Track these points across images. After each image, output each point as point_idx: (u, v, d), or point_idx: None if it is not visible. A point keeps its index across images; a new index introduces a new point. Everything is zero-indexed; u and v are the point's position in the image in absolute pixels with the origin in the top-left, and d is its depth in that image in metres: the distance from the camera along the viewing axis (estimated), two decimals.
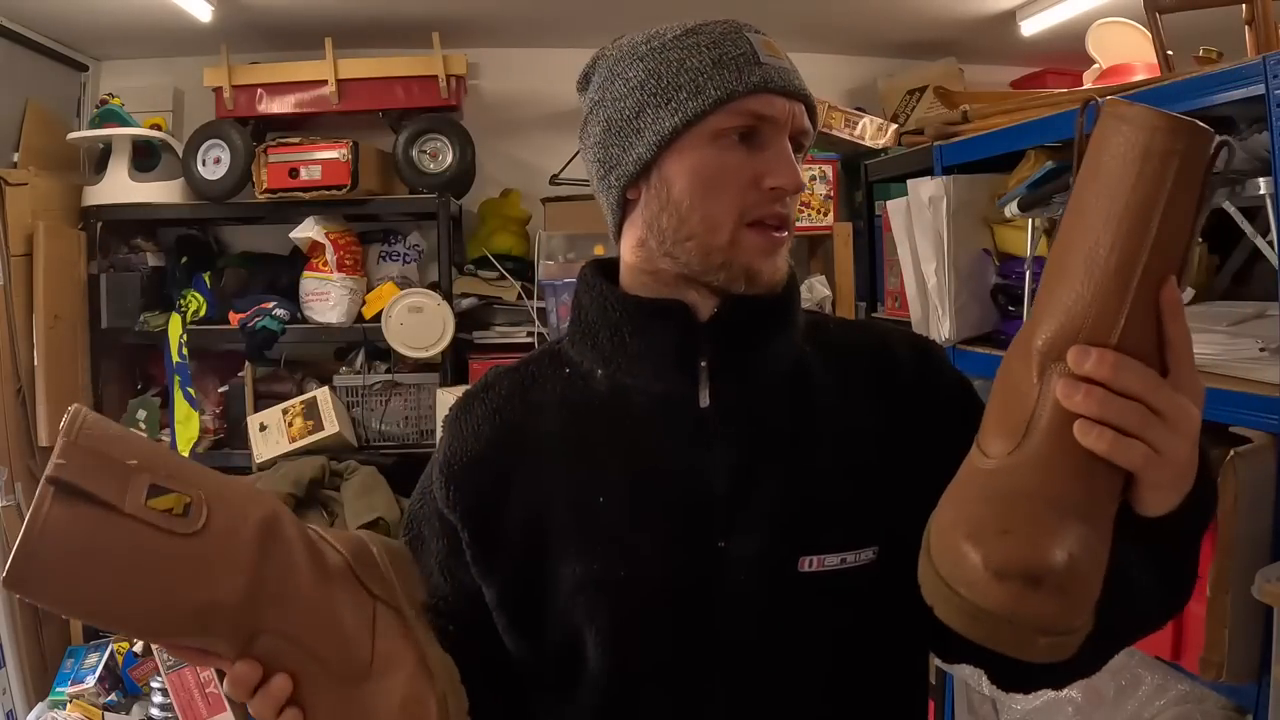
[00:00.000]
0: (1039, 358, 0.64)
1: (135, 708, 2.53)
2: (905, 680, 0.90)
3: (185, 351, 2.75)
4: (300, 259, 2.87)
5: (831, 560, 0.80)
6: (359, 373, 2.88)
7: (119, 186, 2.78)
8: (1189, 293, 1.61)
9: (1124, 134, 0.61)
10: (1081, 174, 0.65)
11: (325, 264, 2.77)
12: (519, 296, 2.91)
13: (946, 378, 0.92)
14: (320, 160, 2.72)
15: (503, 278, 2.94)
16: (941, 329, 1.88)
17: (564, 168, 2.86)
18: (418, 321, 2.71)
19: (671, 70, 0.82)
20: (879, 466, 0.83)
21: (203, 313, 2.80)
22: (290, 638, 0.70)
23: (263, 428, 2.65)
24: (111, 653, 2.61)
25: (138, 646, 2.59)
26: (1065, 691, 1.46)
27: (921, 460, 0.80)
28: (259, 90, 2.87)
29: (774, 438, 0.84)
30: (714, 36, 0.83)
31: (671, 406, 0.84)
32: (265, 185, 2.73)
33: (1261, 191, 1.24)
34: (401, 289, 2.78)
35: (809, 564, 0.80)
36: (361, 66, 2.85)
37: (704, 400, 0.84)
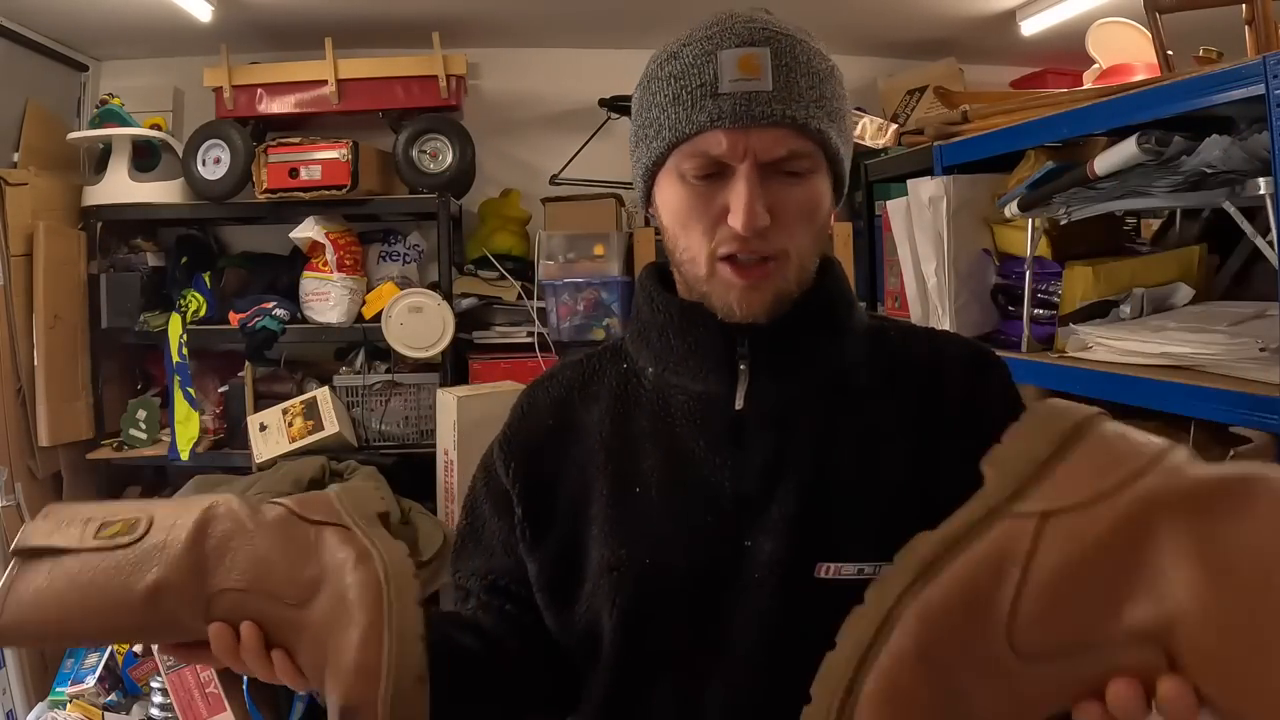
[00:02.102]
0: (1150, 641, 0.55)
1: (135, 708, 2.53)
2: None
3: (185, 351, 2.75)
4: (300, 259, 2.87)
5: (849, 569, 0.80)
6: (359, 373, 2.88)
7: (119, 186, 2.78)
8: (1189, 292, 1.61)
9: None
10: None
11: (325, 264, 2.77)
12: (519, 296, 2.91)
13: (995, 402, 0.87)
14: (320, 160, 2.72)
15: (503, 278, 2.94)
16: (941, 329, 1.88)
17: (564, 168, 2.86)
18: (418, 321, 2.71)
19: (645, 105, 0.85)
20: (909, 483, 0.83)
21: (203, 313, 2.80)
22: (241, 589, 0.73)
23: (263, 428, 2.65)
24: (111, 653, 2.61)
25: (137, 646, 2.59)
26: None
27: (954, 482, 0.80)
28: (259, 90, 2.87)
29: (805, 442, 0.84)
30: (685, 63, 0.81)
31: (709, 406, 0.86)
32: (265, 185, 2.73)
33: (1261, 191, 1.24)
34: (401, 289, 2.78)
35: (826, 570, 0.80)
36: (361, 66, 2.85)
37: (739, 402, 0.85)
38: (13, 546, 0.74)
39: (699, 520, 0.84)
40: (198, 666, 2.38)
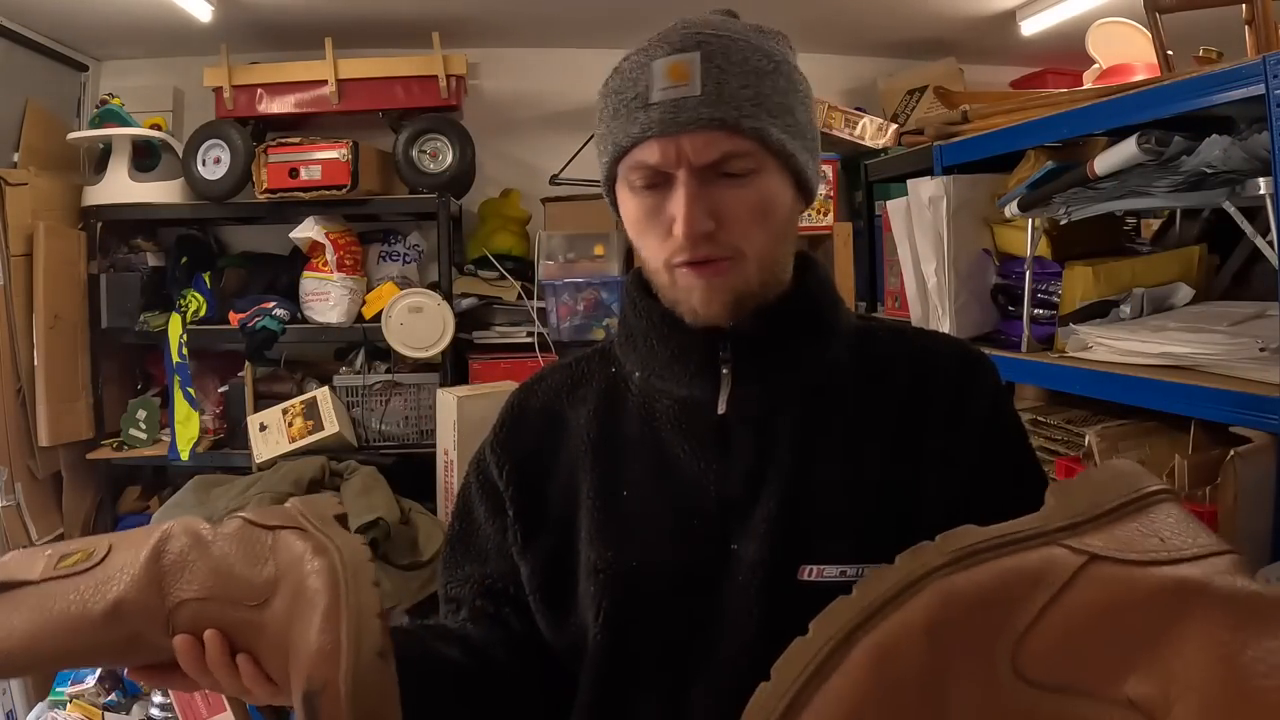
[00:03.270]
0: (1141, 714, 0.54)
1: (135, 708, 2.53)
2: None
3: (185, 351, 2.75)
4: (300, 259, 2.87)
5: (831, 571, 0.80)
6: (359, 373, 2.88)
7: (119, 186, 2.78)
8: (1189, 292, 1.61)
9: None
10: None
11: (325, 264, 2.77)
12: (519, 296, 2.91)
13: (982, 402, 0.88)
14: (320, 160, 2.72)
15: (503, 278, 2.94)
16: (941, 329, 1.88)
17: (564, 168, 2.86)
18: (418, 321, 2.71)
19: (596, 121, 0.86)
20: (894, 485, 0.83)
21: (203, 313, 2.81)
22: (200, 598, 0.73)
23: (263, 428, 2.65)
24: None
25: None
26: None
27: (937, 486, 0.82)
28: (259, 90, 2.87)
29: (788, 445, 0.84)
30: (624, 76, 0.82)
31: (693, 411, 0.87)
32: (265, 185, 2.73)
33: (1261, 191, 1.24)
34: (401, 289, 2.78)
35: (809, 573, 0.80)
36: (361, 66, 2.85)
37: (722, 406, 0.86)
38: None
39: (684, 523, 0.84)
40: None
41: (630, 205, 0.85)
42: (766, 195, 0.82)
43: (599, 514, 0.87)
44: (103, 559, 0.75)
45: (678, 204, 0.79)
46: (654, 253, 0.84)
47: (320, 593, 0.71)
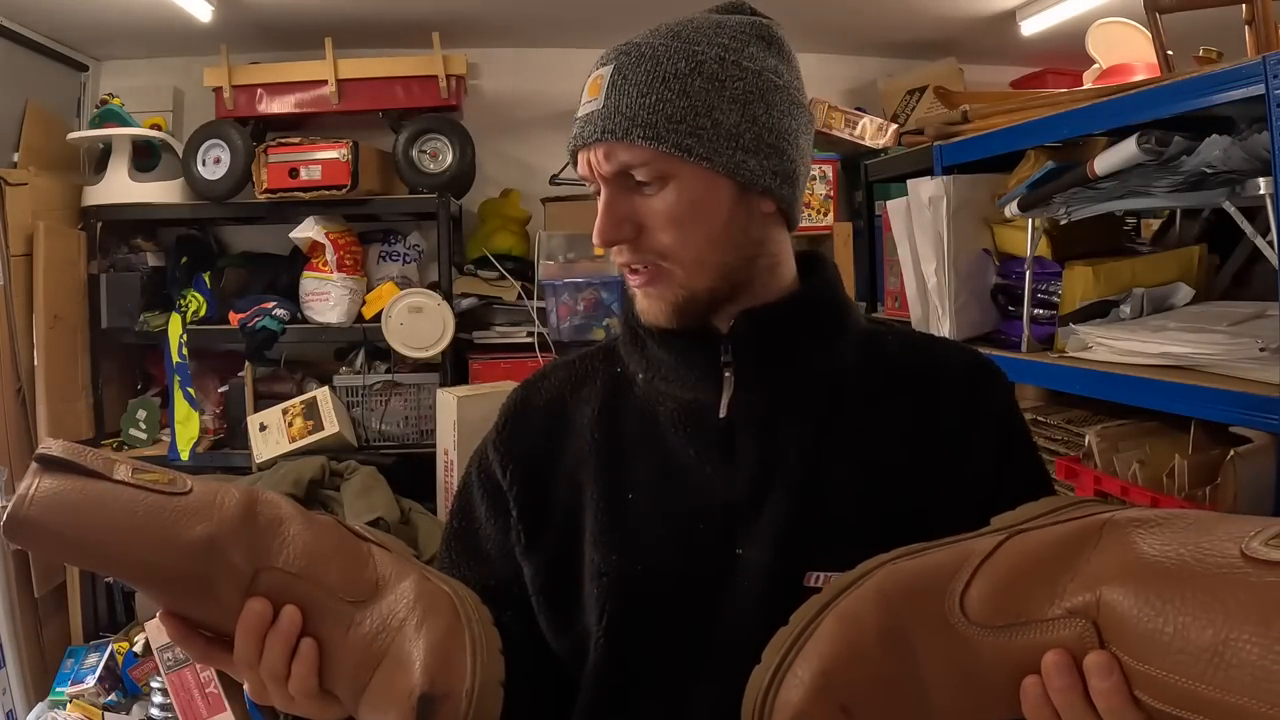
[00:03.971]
0: (1081, 616, 0.60)
1: (135, 708, 2.53)
2: None
3: (185, 351, 2.75)
4: (300, 259, 2.87)
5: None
6: (359, 373, 2.88)
7: (119, 186, 2.78)
8: (1189, 292, 1.61)
9: None
10: None
11: (325, 264, 2.77)
12: (519, 296, 2.91)
13: (992, 414, 0.88)
14: (320, 160, 2.72)
15: (503, 278, 2.94)
16: (941, 329, 1.88)
17: (564, 168, 2.86)
18: (418, 321, 2.71)
19: None
20: (901, 491, 0.83)
21: (203, 313, 2.80)
22: (293, 573, 0.71)
23: (263, 428, 2.65)
24: (111, 653, 2.61)
25: (138, 646, 2.59)
26: None
27: (946, 494, 0.82)
28: (259, 90, 2.87)
29: (795, 449, 0.84)
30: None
31: (698, 414, 0.86)
32: (265, 185, 2.73)
33: (1261, 191, 1.24)
34: (401, 289, 2.78)
35: (815, 580, 0.80)
36: (361, 66, 2.85)
37: (724, 410, 0.85)
38: (36, 454, 0.71)
39: (689, 528, 0.84)
40: (198, 666, 2.38)
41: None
42: (684, 201, 0.81)
43: (603, 516, 0.86)
44: (186, 491, 0.72)
45: (598, 216, 0.83)
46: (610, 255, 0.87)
47: (439, 613, 0.70)
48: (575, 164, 0.86)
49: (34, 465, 0.70)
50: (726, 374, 0.85)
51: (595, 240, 0.83)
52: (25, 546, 0.68)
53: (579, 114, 0.82)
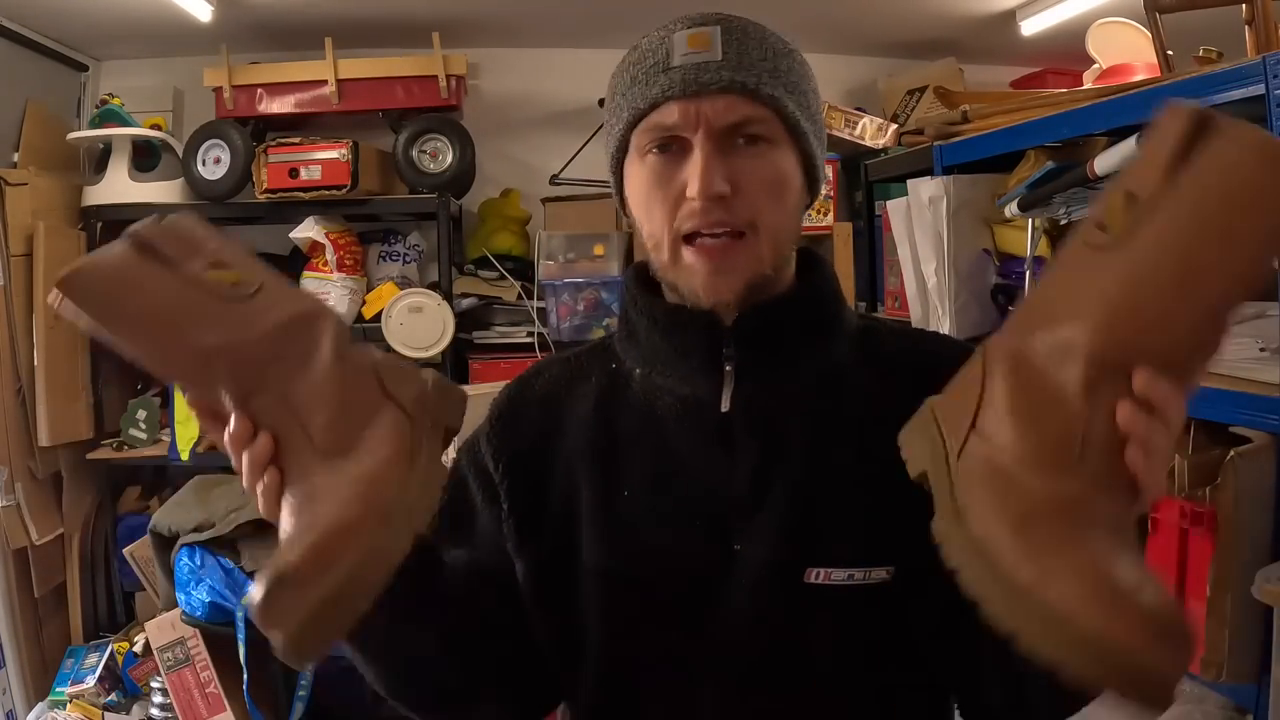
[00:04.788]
0: (1092, 368, 0.62)
1: (135, 708, 2.54)
2: (921, 709, 0.87)
3: None
4: (300, 259, 2.87)
5: (839, 575, 0.79)
6: None
7: (119, 186, 2.78)
8: None
9: (1263, 164, 0.60)
10: (1201, 186, 0.61)
11: (325, 264, 2.77)
12: (519, 296, 2.91)
13: None
14: (320, 160, 2.72)
15: (503, 278, 2.94)
16: (941, 329, 1.88)
17: (564, 168, 2.86)
18: (418, 321, 2.71)
19: (611, 95, 0.86)
20: (900, 488, 0.81)
21: None
22: (284, 401, 0.72)
23: None
24: (111, 653, 2.62)
25: (138, 646, 2.59)
26: None
27: None
28: (259, 90, 2.87)
29: (795, 445, 0.83)
30: (644, 49, 0.83)
31: (697, 409, 0.85)
32: (265, 185, 2.73)
33: None
34: (401, 289, 2.78)
35: (816, 575, 0.79)
36: (361, 66, 2.85)
37: (725, 404, 0.84)
38: (132, 228, 0.75)
39: (688, 524, 0.83)
40: (198, 666, 2.38)
41: (640, 175, 0.83)
42: (780, 168, 0.81)
43: (600, 516, 0.85)
44: (247, 296, 0.75)
45: (694, 166, 0.78)
46: (660, 225, 0.81)
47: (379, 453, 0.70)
48: (632, 129, 0.82)
49: (124, 236, 0.74)
50: (728, 368, 0.84)
51: (701, 190, 0.77)
52: (70, 298, 0.71)
53: (676, 63, 0.79)
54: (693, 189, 0.78)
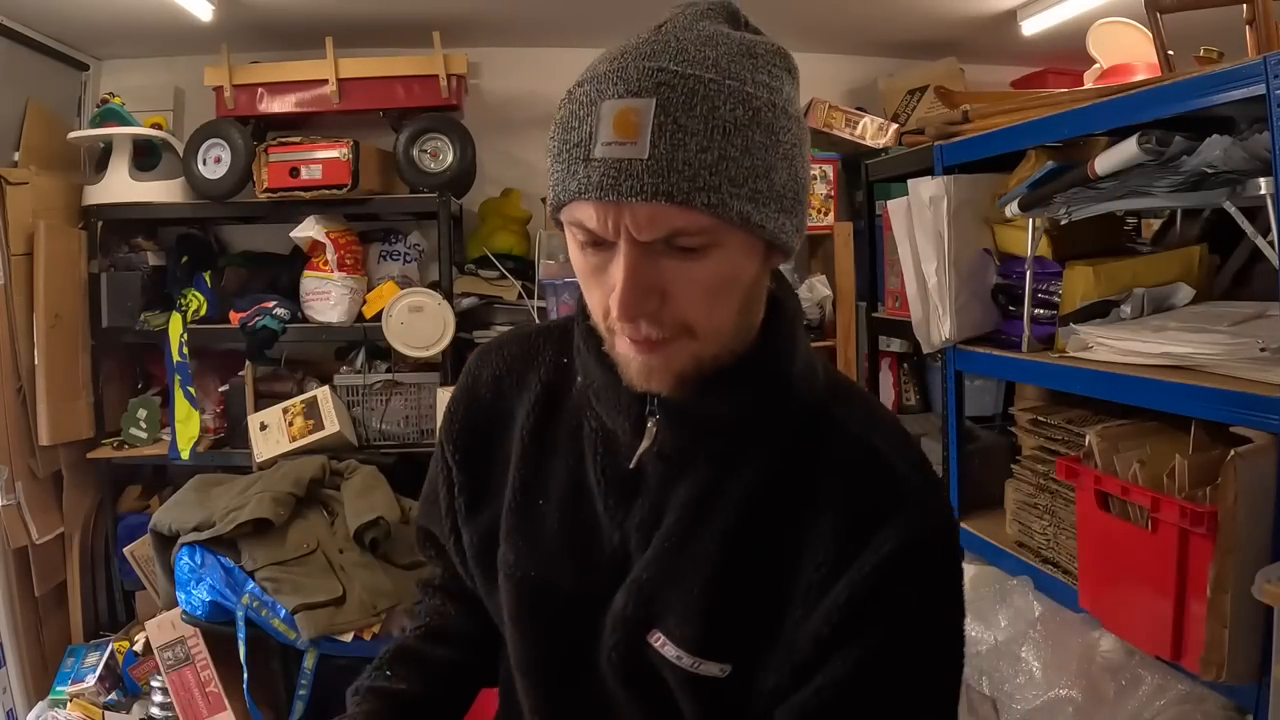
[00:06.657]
0: None
1: (135, 707, 2.53)
2: None
3: (185, 351, 2.75)
4: (301, 258, 2.87)
5: (670, 650, 0.79)
6: (359, 372, 2.88)
7: (119, 186, 2.78)
8: (1189, 292, 1.61)
9: None
10: None
11: (326, 263, 2.77)
12: (519, 296, 2.91)
13: (876, 601, 0.74)
14: (321, 160, 2.72)
15: (503, 277, 2.94)
16: (942, 329, 1.88)
17: None
18: (418, 321, 2.71)
19: (549, 137, 0.76)
20: (742, 600, 0.78)
21: (203, 312, 2.81)
22: None
23: (263, 427, 2.65)
24: (111, 652, 2.62)
25: (138, 645, 2.59)
26: (1066, 691, 1.46)
27: (776, 632, 0.77)
28: (259, 90, 2.87)
29: (684, 516, 0.80)
30: (573, 108, 0.71)
31: (614, 448, 0.84)
32: (266, 184, 2.73)
33: (1262, 191, 1.24)
34: (402, 288, 2.78)
35: (656, 639, 0.80)
36: (362, 66, 2.85)
37: (634, 461, 0.81)
38: None
39: (584, 553, 0.84)
40: (198, 665, 2.38)
41: (574, 254, 0.75)
42: (723, 270, 0.71)
43: (514, 515, 0.88)
44: None
45: (616, 275, 0.69)
46: (596, 309, 0.75)
47: None
48: (558, 211, 0.73)
49: None
50: (650, 425, 0.78)
51: (620, 313, 0.69)
52: None
53: (598, 154, 0.67)
54: (614, 306, 0.70)
